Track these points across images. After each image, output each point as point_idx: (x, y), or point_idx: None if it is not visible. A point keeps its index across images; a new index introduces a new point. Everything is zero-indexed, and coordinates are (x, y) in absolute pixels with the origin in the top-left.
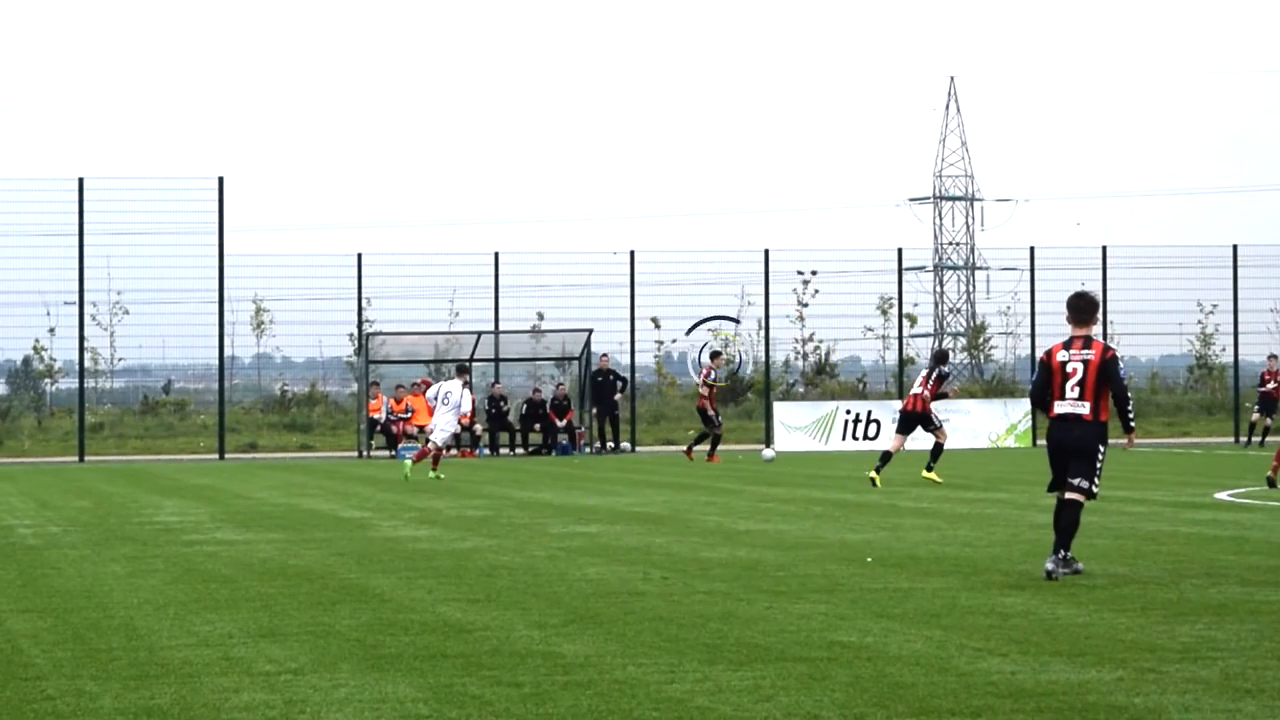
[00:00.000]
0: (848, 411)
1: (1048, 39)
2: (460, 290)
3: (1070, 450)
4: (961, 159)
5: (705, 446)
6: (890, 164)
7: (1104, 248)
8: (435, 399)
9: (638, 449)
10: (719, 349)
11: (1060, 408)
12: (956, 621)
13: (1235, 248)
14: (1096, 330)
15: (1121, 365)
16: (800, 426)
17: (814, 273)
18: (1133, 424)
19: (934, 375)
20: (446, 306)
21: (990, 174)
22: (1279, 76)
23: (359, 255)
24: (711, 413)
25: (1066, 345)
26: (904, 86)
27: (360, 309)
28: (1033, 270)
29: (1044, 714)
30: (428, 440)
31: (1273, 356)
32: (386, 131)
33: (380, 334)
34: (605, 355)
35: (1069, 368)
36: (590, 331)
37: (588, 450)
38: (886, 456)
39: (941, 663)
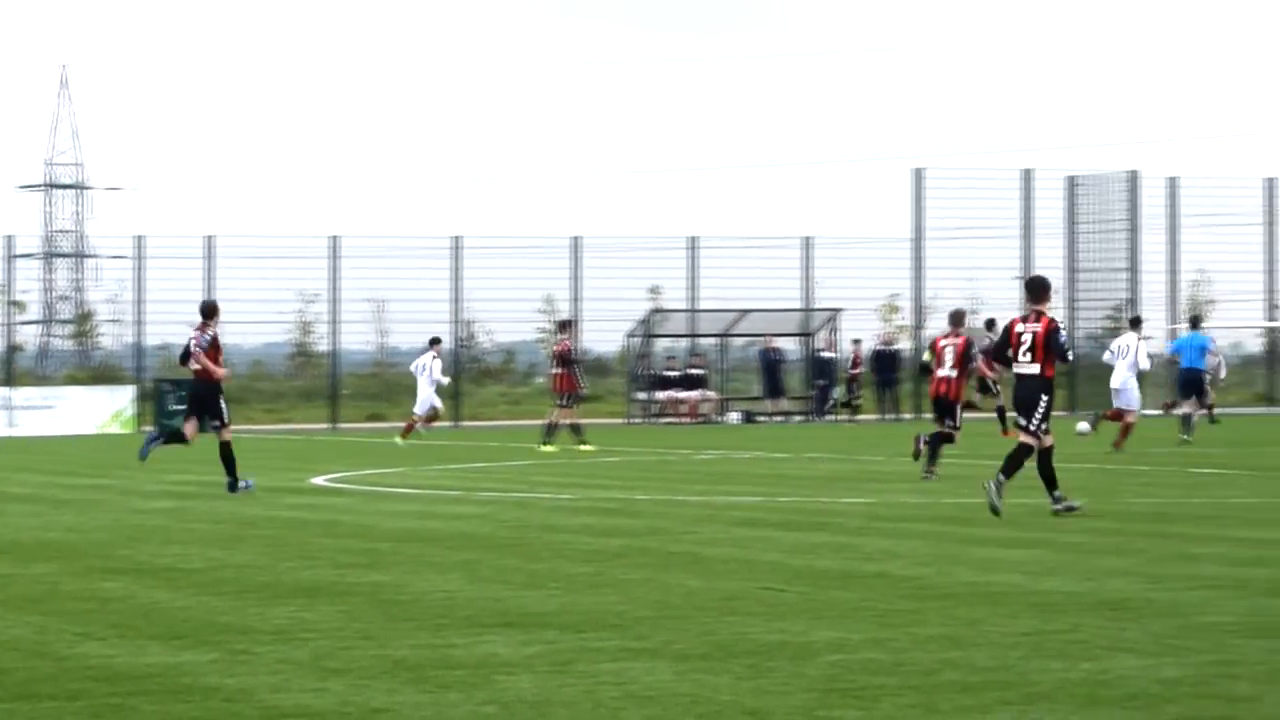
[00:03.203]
0: None
1: (162, 30)
2: None
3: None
4: (73, 146)
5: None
6: (0, 150)
7: (209, 237)
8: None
9: None
10: None
11: (1016, 368)
12: (57, 607)
13: (335, 239)
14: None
15: (1062, 334)
16: None
17: None
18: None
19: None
20: None
21: (101, 162)
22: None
23: None
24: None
25: (1024, 319)
26: (14, 72)
27: None
28: (141, 259)
29: (140, 696)
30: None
31: (856, 341)
32: None
33: None
34: None
35: (1023, 337)
36: None
37: None
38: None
39: (41, 648)
